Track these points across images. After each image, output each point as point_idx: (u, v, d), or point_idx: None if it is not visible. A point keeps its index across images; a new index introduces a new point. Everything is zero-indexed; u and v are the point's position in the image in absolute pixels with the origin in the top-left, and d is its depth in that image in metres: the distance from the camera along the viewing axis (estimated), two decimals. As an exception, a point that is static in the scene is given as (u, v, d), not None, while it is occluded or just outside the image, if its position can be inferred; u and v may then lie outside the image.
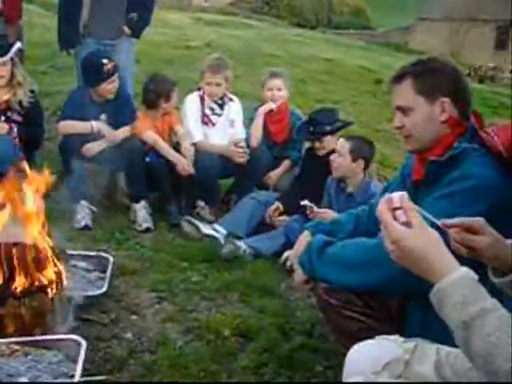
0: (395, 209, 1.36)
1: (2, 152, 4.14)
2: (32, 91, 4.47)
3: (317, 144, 4.43)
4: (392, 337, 1.76)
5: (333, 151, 4.21)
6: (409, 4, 35.42)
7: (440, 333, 1.45)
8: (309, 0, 36.99)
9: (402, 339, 1.74)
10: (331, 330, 2.48)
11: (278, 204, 4.35)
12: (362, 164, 3.90)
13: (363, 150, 3.94)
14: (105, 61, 4.43)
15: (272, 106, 4.91)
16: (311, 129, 4.47)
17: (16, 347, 2.45)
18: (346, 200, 3.89)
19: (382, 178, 4.99)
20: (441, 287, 1.28)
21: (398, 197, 1.37)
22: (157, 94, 4.65)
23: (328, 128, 4.39)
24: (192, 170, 4.50)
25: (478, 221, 1.57)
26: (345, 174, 3.93)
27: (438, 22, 29.65)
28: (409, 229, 1.33)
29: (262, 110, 4.92)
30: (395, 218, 1.36)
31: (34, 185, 2.86)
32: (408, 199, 1.37)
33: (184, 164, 4.48)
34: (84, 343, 2.47)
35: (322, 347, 2.90)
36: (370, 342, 1.76)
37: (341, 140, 3.99)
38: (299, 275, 2.39)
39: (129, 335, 2.92)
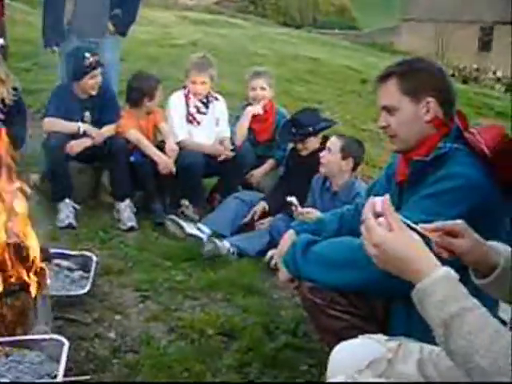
0: (378, 214, 1.38)
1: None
2: (15, 89, 4.42)
3: (299, 145, 4.43)
4: (376, 336, 1.77)
5: (317, 150, 4.22)
6: (394, 5, 35.58)
7: (424, 332, 1.45)
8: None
9: (385, 338, 1.74)
10: (315, 329, 2.48)
11: (263, 204, 4.34)
12: (350, 163, 3.90)
13: (353, 150, 3.94)
14: (87, 54, 4.40)
15: (260, 111, 4.89)
16: (293, 130, 4.45)
17: (-3, 347, 2.43)
18: (331, 199, 3.90)
19: (367, 178, 5.00)
20: (421, 287, 1.29)
21: (380, 201, 1.39)
22: (141, 92, 4.63)
23: (310, 129, 4.37)
24: (173, 170, 4.48)
25: (459, 224, 1.58)
26: (332, 172, 3.92)
27: (423, 23, 29.82)
28: (389, 232, 1.34)
29: (250, 111, 4.91)
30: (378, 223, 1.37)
31: (16, 183, 2.83)
32: (389, 203, 1.38)
33: (166, 163, 4.46)
34: (67, 343, 2.45)
35: (307, 346, 2.90)
36: (353, 341, 1.77)
37: (333, 137, 3.99)
38: (284, 274, 2.39)
39: (112, 335, 2.90)
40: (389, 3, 38.65)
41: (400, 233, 1.35)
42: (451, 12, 28.67)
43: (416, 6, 30.45)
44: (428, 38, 27.76)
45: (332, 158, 3.89)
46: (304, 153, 4.42)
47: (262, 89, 4.93)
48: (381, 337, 1.75)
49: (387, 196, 1.39)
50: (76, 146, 4.36)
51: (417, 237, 1.37)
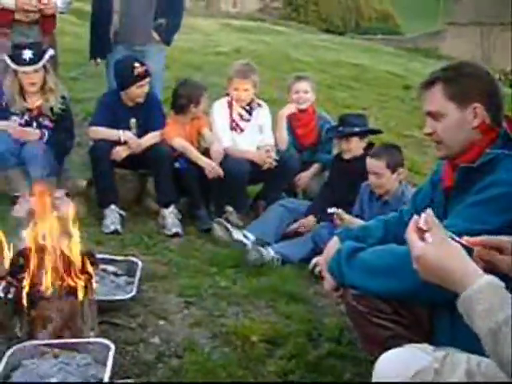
0: (423, 230, 1.40)
1: (34, 158, 4.21)
2: (63, 97, 4.54)
3: (344, 145, 4.43)
4: (421, 345, 1.74)
5: (361, 157, 4.20)
6: (438, 9, 35.12)
7: (470, 341, 1.43)
8: (337, 6, 36.90)
9: (431, 347, 1.72)
10: (359, 337, 2.46)
11: (311, 219, 4.32)
12: (401, 171, 3.87)
13: (396, 159, 3.89)
14: (136, 64, 4.49)
15: (292, 109, 4.92)
16: (340, 128, 4.49)
17: (46, 349, 2.49)
18: (381, 207, 3.84)
19: (412, 185, 4.94)
20: (466, 296, 1.28)
21: (423, 217, 1.40)
22: (187, 98, 4.68)
23: (357, 129, 4.40)
24: (221, 173, 4.51)
25: (505, 241, 1.55)
26: (386, 188, 3.88)
27: (468, 27, 29.33)
28: (430, 245, 1.35)
29: (283, 112, 4.94)
30: (423, 238, 1.38)
31: (65, 189, 2.89)
32: (433, 217, 1.39)
33: (212, 167, 4.50)
34: (113, 347, 2.49)
35: (351, 354, 2.87)
36: (399, 349, 1.74)
37: (369, 161, 3.89)
38: (329, 282, 2.37)
39: (156, 340, 2.93)
40: (432, 7, 38.19)
41: (441, 245, 1.35)
42: (496, 15, 28.12)
43: (460, 10, 29.97)
44: (473, 42, 27.32)
45: (384, 181, 3.84)
46: (347, 156, 4.42)
47: (305, 92, 4.95)
48: (426, 346, 1.73)
49: (430, 211, 1.39)
50: (122, 152, 4.44)
51: (458, 247, 1.37)
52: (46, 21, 4.79)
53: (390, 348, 1.77)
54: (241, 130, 4.83)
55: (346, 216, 3.89)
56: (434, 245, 1.35)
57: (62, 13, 4.96)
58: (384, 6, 39.30)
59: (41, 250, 2.73)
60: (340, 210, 3.91)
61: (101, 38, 4.95)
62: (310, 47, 14.10)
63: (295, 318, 3.22)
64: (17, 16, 4.63)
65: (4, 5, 4.59)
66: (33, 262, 2.67)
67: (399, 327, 2.17)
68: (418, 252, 1.36)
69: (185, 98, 4.69)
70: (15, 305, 2.61)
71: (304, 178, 4.91)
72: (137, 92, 4.53)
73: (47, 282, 2.61)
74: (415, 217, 1.42)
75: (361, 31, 32.95)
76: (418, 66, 13.11)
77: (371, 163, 3.87)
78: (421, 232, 1.40)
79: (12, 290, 2.63)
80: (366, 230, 2.59)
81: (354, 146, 4.38)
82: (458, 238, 1.45)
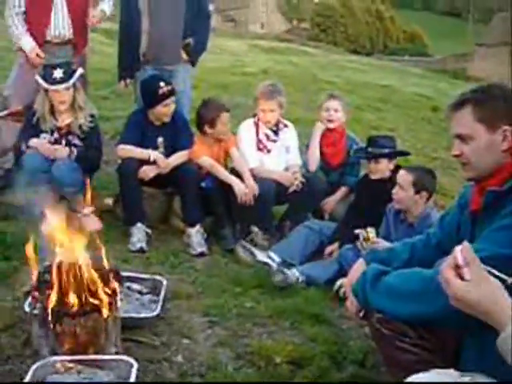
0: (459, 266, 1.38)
1: (63, 175, 4.26)
2: (92, 115, 4.59)
3: (372, 165, 4.43)
4: (447, 370, 1.72)
5: (388, 179, 4.20)
6: (466, 30, 35.03)
7: (497, 367, 1.41)
8: (364, 27, 37.04)
9: (457, 373, 1.69)
10: (384, 361, 2.43)
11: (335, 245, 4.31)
12: (424, 195, 3.84)
13: (426, 182, 3.87)
14: (161, 84, 4.53)
15: (322, 126, 4.92)
16: (369, 149, 4.50)
17: (70, 365, 2.50)
18: (406, 230, 3.82)
19: (439, 208, 4.90)
20: (505, 336, 1.28)
21: (461, 252, 1.38)
22: (201, 119, 4.70)
23: (386, 150, 4.39)
24: (251, 201, 4.51)
25: None
26: (407, 206, 3.87)
27: (497, 48, 29.18)
28: (466, 283, 1.34)
29: (317, 131, 4.94)
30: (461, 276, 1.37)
31: (93, 207, 2.92)
32: (470, 251, 1.37)
33: (242, 190, 4.50)
34: (135, 364, 2.49)
35: (375, 378, 2.84)
36: (424, 374, 1.72)
37: (401, 172, 3.92)
38: (352, 304, 2.36)
39: (180, 358, 2.93)
40: (460, 28, 38.10)
41: (481, 284, 1.34)
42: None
43: (489, 31, 29.85)
44: (502, 63, 27.13)
45: (405, 195, 3.83)
46: (375, 176, 4.41)
47: (335, 110, 4.94)
48: (452, 372, 1.70)
49: (466, 244, 1.37)
50: (149, 171, 4.48)
51: (499, 286, 1.36)
52: (79, 40, 4.88)
53: (414, 372, 1.74)
54: (267, 151, 4.84)
55: (374, 235, 3.87)
56: (474, 284, 1.34)
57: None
58: (412, 27, 39.30)
59: (67, 266, 2.76)
60: (368, 230, 3.89)
61: (129, 58, 5.00)
62: (338, 68, 14.15)
63: (319, 340, 3.20)
64: (48, 37, 4.72)
65: (22, 46, 4.69)
66: (59, 278, 2.69)
67: (424, 352, 2.14)
68: (457, 291, 1.35)
69: (200, 119, 4.72)
70: (41, 320, 2.63)
71: (331, 202, 4.89)
72: (163, 111, 4.58)
73: (72, 299, 2.63)
74: (455, 252, 1.40)
75: (388, 52, 33.00)
76: (445, 87, 13.07)
77: (401, 175, 3.89)
78: (457, 267, 1.38)
79: (38, 305, 2.65)
80: (392, 252, 2.57)
81: (383, 168, 4.38)
82: (492, 270, 1.43)
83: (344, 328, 3.41)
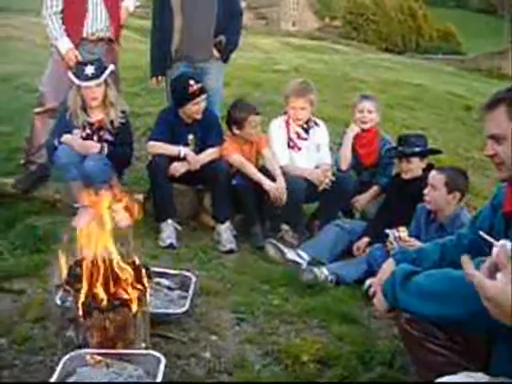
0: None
1: (94, 171, 4.31)
2: (123, 111, 4.63)
3: (404, 164, 4.40)
4: (476, 374, 1.69)
5: (420, 178, 4.16)
6: (501, 28, 34.49)
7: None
8: (397, 25, 36.70)
9: (487, 377, 1.66)
10: (412, 362, 2.40)
11: (366, 240, 4.30)
12: (457, 196, 3.80)
13: (458, 182, 3.83)
14: (191, 82, 4.55)
15: (357, 129, 4.89)
16: (400, 148, 4.49)
17: (99, 358, 2.53)
18: (437, 230, 3.79)
19: (471, 208, 4.84)
20: None
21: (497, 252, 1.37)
22: (230, 120, 4.71)
23: (417, 149, 4.37)
24: (282, 200, 4.51)
25: None
26: (439, 207, 3.83)
27: (533, 47, 28.66)
28: (499, 283, 1.33)
29: (350, 132, 4.91)
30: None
31: (124, 202, 2.94)
32: (508, 252, 1.36)
33: (274, 187, 4.51)
34: (163, 360, 2.51)
35: (403, 379, 2.81)
36: (452, 377, 1.70)
37: (433, 172, 3.89)
38: (381, 303, 2.34)
39: (207, 355, 2.94)
40: (496, 26, 37.52)
41: (506, 284, 1.33)
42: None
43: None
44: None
45: (437, 195, 3.79)
46: (407, 176, 4.38)
47: (369, 112, 4.89)
48: (481, 376, 1.68)
49: (505, 242, 1.35)
50: (179, 167, 4.50)
51: None
52: (116, 36, 4.93)
53: (442, 375, 1.72)
54: (298, 149, 4.82)
55: (405, 234, 3.84)
56: (503, 284, 1.32)
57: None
58: (445, 25, 38.82)
59: (97, 261, 2.79)
60: (401, 228, 3.86)
61: (161, 55, 5.03)
62: (370, 66, 14.05)
63: (347, 340, 3.18)
64: (84, 34, 4.77)
65: (59, 47, 4.74)
66: (89, 272, 2.72)
67: (453, 354, 2.11)
68: (491, 293, 1.34)
69: (230, 119, 4.72)
70: (71, 314, 2.67)
71: (362, 200, 4.86)
72: (193, 109, 4.59)
73: (102, 293, 2.66)
74: (494, 255, 1.38)
75: (421, 50, 32.65)
76: (479, 86, 12.88)
77: (433, 175, 3.86)
78: (491, 267, 1.37)
79: (69, 299, 2.69)
80: (422, 252, 2.54)
81: (415, 167, 4.35)
82: (482, 234, 1.41)
83: (372, 328, 3.38)
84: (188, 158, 4.53)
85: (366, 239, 4.29)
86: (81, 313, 2.62)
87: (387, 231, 3.84)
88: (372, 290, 2.59)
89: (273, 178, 4.58)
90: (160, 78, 5.09)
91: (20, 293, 3.37)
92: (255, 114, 4.69)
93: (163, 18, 4.96)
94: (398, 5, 39.19)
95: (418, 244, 3.56)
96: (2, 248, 3.91)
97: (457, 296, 1.99)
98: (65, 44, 4.70)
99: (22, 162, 5.07)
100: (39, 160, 4.93)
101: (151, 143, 4.63)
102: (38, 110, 4.93)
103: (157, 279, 3.44)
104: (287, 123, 4.82)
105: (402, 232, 3.80)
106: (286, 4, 49.73)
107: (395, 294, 2.23)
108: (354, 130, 4.90)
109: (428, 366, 2.15)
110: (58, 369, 2.44)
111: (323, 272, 3.90)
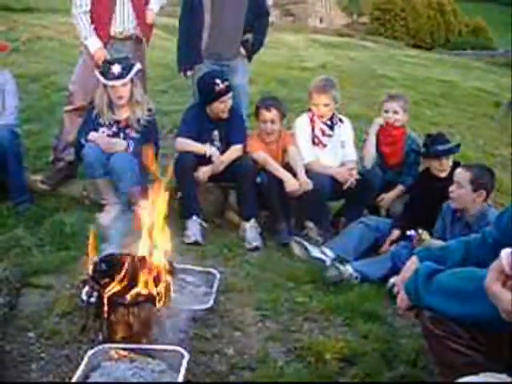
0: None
1: (121, 168, 4.35)
2: (149, 110, 4.66)
3: (436, 164, 4.39)
4: (500, 375, 1.67)
5: (445, 177, 4.13)
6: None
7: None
8: (425, 20, 36.29)
9: (510, 378, 1.65)
10: (434, 361, 2.39)
11: (397, 232, 4.28)
12: (483, 194, 3.76)
13: (484, 180, 3.78)
14: (217, 81, 4.57)
15: (380, 121, 4.87)
16: (422, 150, 4.49)
17: (123, 353, 2.57)
18: (463, 229, 3.75)
19: (498, 205, 4.78)
20: None
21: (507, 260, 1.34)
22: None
23: (440, 148, 4.33)
24: (300, 190, 4.51)
25: None
26: (465, 205, 3.80)
27: None
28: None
29: (373, 127, 4.91)
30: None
31: (151, 200, 2.98)
32: None
33: (293, 184, 4.50)
34: (187, 355, 2.54)
35: (426, 379, 2.80)
36: (475, 377, 1.68)
37: (459, 170, 3.86)
38: (404, 301, 2.32)
39: (231, 351, 2.96)
40: (528, 21, 36.88)
41: None
42: None
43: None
44: None
45: (462, 193, 3.76)
46: (442, 174, 4.37)
47: (395, 112, 4.85)
48: (505, 377, 1.66)
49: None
50: (204, 173, 4.55)
51: None
52: (144, 34, 4.95)
53: (465, 375, 1.71)
54: (323, 146, 4.81)
55: (428, 237, 3.81)
56: None
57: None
58: (475, 19, 38.25)
59: (123, 257, 2.83)
60: (422, 231, 3.84)
61: (189, 52, 5.04)
62: (397, 63, 13.92)
63: (371, 338, 3.18)
64: (112, 33, 4.81)
65: (88, 46, 4.78)
66: (114, 268, 2.76)
67: (476, 354, 2.09)
68: (503, 303, 1.34)
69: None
70: (97, 309, 2.71)
71: (387, 199, 4.83)
72: (220, 107, 4.62)
73: (127, 289, 2.69)
74: (498, 261, 1.36)
75: (450, 46, 32.21)
76: (509, 82, 12.66)
77: (458, 172, 3.83)
78: (503, 276, 1.35)
79: (94, 294, 2.72)
80: (446, 250, 2.52)
81: (446, 165, 4.33)
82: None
83: (397, 326, 3.37)
84: (213, 158, 4.56)
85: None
86: (106, 308, 2.66)
87: (408, 233, 3.82)
88: (396, 288, 2.58)
89: (295, 175, 4.57)
90: (188, 72, 5.10)
91: (48, 288, 3.43)
92: (265, 108, 4.70)
93: (193, 16, 4.97)
94: (426, 0, 38.72)
95: (438, 244, 3.53)
96: (30, 244, 3.98)
97: (480, 295, 1.96)
98: (94, 43, 4.75)
99: (51, 159, 5.14)
100: (67, 157, 5.00)
101: (179, 140, 4.66)
102: (67, 108, 4.99)
103: (182, 276, 3.48)
104: (312, 120, 4.81)
105: (423, 234, 3.78)
106: (314, 1, 49.50)
107: (418, 292, 2.21)
108: (376, 123, 4.88)
109: (451, 365, 2.13)
110: (83, 363, 2.48)
111: (348, 269, 3.89)
